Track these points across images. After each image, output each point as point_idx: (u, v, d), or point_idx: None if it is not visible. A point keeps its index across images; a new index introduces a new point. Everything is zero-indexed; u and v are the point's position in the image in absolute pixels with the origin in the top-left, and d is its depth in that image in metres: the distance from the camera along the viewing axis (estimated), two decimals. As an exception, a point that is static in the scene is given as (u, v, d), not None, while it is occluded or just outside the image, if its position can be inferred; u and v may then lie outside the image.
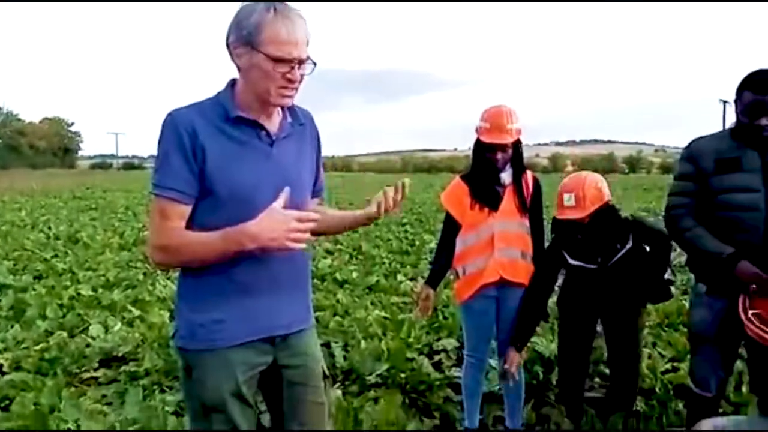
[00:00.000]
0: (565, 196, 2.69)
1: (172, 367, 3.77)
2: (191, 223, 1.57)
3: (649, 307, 3.78)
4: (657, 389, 3.40)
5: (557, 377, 3.25)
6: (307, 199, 1.76)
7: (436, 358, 4.12)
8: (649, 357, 3.88)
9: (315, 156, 1.79)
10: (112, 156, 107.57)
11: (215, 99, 1.61)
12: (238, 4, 1.57)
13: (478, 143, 2.80)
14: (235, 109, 1.58)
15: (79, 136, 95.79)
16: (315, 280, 6.36)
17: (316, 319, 1.90)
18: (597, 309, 2.95)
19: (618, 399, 2.98)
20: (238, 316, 1.61)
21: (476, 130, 2.81)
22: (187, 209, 1.56)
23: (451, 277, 3.01)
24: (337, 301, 5.63)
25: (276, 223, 1.44)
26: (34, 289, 6.15)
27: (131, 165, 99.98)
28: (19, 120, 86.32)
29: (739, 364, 2.98)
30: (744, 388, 3.29)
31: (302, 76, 1.58)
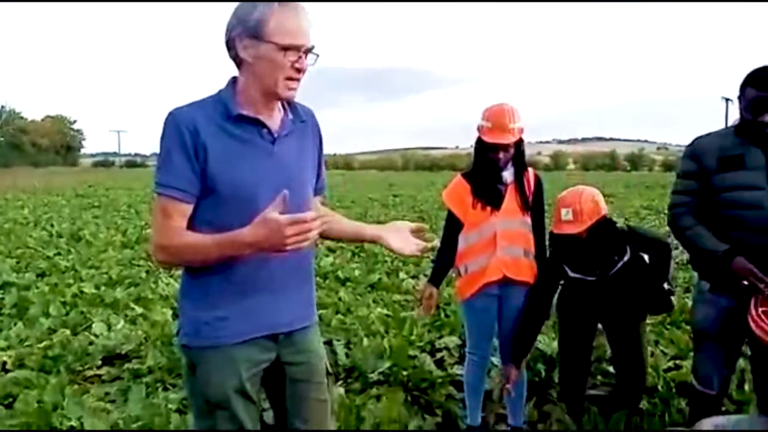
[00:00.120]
0: (563, 211, 2.70)
1: (175, 365, 3.78)
2: (194, 221, 1.57)
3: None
4: (659, 387, 3.40)
5: (559, 375, 3.26)
6: (309, 197, 1.76)
7: (438, 355, 4.12)
8: (652, 355, 3.88)
9: (317, 153, 1.80)
10: (115, 154, 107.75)
11: (217, 97, 1.61)
12: (238, 3, 1.58)
13: (480, 142, 2.80)
14: (236, 107, 1.58)
15: (82, 134, 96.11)
16: (317, 278, 6.36)
17: (319, 316, 1.90)
18: (597, 318, 2.98)
19: (624, 397, 2.99)
20: (242, 313, 1.61)
21: (478, 129, 2.80)
22: (189, 208, 1.56)
23: (453, 275, 3.01)
24: (340, 298, 5.63)
25: (269, 231, 1.41)
26: (37, 287, 6.16)
27: (134, 163, 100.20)
28: (22, 118, 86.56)
29: (741, 362, 2.98)
30: (746, 386, 3.29)
31: (305, 68, 1.59)
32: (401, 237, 1.83)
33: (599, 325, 3.02)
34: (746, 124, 2.35)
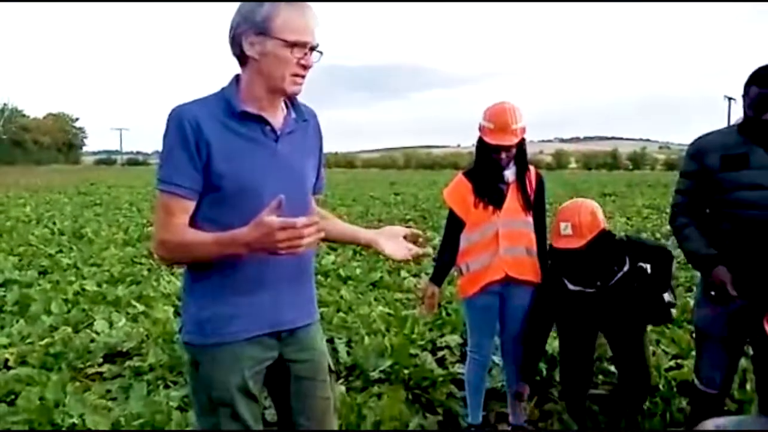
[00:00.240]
0: (562, 225, 2.70)
1: (177, 363, 3.79)
2: (197, 218, 1.57)
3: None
4: (660, 386, 3.39)
5: (560, 376, 3.26)
6: (310, 197, 1.77)
7: (440, 354, 4.12)
8: (653, 354, 3.87)
9: (318, 153, 1.80)
10: (117, 152, 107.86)
11: (220, 94, 1.61)
12: (241, 1, 1.59)
13: (482, 142, 2.79)
14: (240, 104, 1.58)
15: (84, 131, 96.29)
16: (318, 276, 6.37)
17: (320, 315, 1.91)
18: (598, 328, 3.00)
19: (627, 398, 2.99)
20: (245, 311, 1.61)
21: (479, 129, 2.80)
22: (191, 204, 1.56)
23: (455, 273, 3.01)
24: (341, 297, 5.63)
25: (261, 234, 1.41)
26: (39, 285, 6.18)
27: (135, 161, 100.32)
28: (24, 116, 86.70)
29: (743, 362, 2.98)
30: (748, 386, 3.29)
31: (311, 65, 1.60)
32: (394, 241, 1.87)
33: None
34: (750, 122, 2.34)
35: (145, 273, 6.87)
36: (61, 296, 5.58)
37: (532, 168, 2.88)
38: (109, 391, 3.59)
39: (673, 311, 2.91)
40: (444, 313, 4.86)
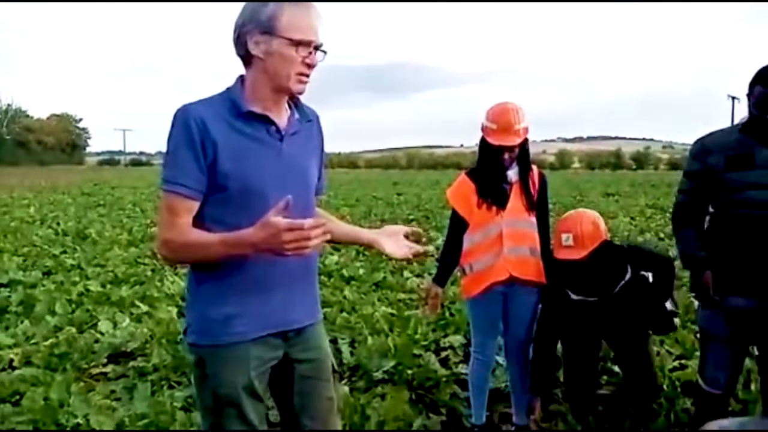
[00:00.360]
0: (563, 236, 2.70)
1: (180, 363, 3.80)
2: (202, 218, 1.57)
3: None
4: (665, 387, 3.38)
5: (564, 379, 3.26)
6: (313, 197, 1.77)
7: (443, 354, 4.12)
8: (657, 354, 3.87)
9: (320, 154, 1.82)
10: (120, 152, 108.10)
11: (225, 94, 1.62)
12: (245, 2, 1.60)
13: (485, 142, 2.79)
14: (245, 103, 1.59)
15: (87, 132, 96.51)
16: (322, 277, 6.37)
17: (323, 315, 1.91)
18: (601, 337, 3.01)
19: (634, 401, 2.99)
20: (251, 311, 1.61)
21: (482, 129, 2.79)
22: (195, 204, 1.56)
23: (458, 273, 3.00)
24: (344, 297, 5.63)
25: (268, 235, 1.41)
26: (43, 285, 6.19)
27: (139, 161, 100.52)
28: (28, 116, 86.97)
29: (748, 362, 2.97)
30: (753, 386, 3.28)
31: (315, 64, 1.61)
32: (395, 240, 1.88)
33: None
34: (754, 121, 2.34)
35: (149, 273, 6.89)
36: (65, 297, 5.60)
37: (534, 168, 2.88)
38: (113, 391, 3.60)
39: (676, 320, 2.92)
40: (447, 314, 4.86)
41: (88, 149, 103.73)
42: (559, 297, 2.87)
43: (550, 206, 3.00)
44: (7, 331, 4.65)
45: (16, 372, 3.78)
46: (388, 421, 3.06)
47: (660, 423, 3.04)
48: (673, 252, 2.98)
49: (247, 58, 1.60)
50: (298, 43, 1.55)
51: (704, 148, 2.48)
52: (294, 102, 1.71)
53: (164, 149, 1.59)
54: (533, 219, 2.82)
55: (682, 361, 3.82)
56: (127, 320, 4.90)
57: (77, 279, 6.51)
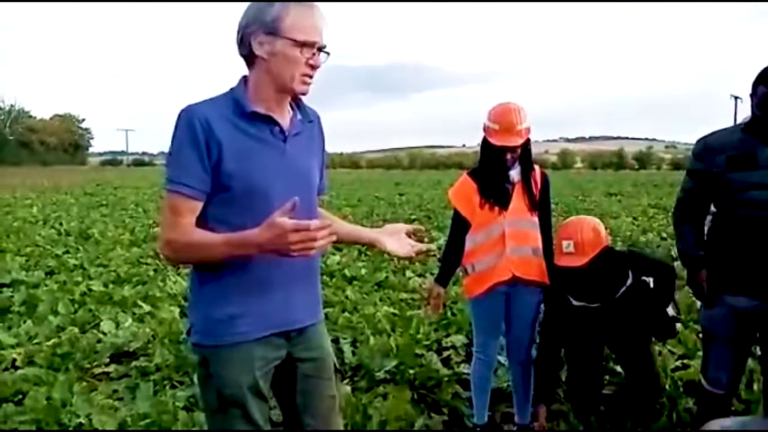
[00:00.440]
0: (564, 243, 2.70)
1: (183, 363, 3.81)
2: (205, 218, 1.57)
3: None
4: (667, 386, 3.38)
5: (567, 375, 3.26)
6: (316, 198, 1.78)
7: (445, 354, 4.13)
8: (660, 354, 3.86)
9: (321, 154, 1.82)
10: (123, 152, 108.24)
11: (229, 95, 1.62)
12: (249, 2, 1.60)
13: (487, 142, 2.79)
14: (250, 104, 1.59)
15: (90, 132, 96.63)
16: (324, 277, 6.37)
17: (326, 315, 1.92)
18: (604, 342, 3.02)
19: (637, 403, 2.99)
20: (256, 311, 1.62)
21: (484, 129, 2.79)
22: (199, 205, 1.56)
23: (460, 273, 3.00)
24: (346, 297, 5.64)
25: (274, 236, 1.41)
26: (45, 285, 6.21)
27: (141, 162, 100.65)
28: (30, 117, 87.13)
29: (750, 362, 2.96)
30: (755, 386, 3.27)
31: (319, 65, 1.61)
32: (396, 239, 1.89)
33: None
34: (758, 121, 2.33)
35: (151, 273, 6.90)
36: (67, 297, 5.61)
37: (536, 167, 2.88)
38: (115, 391, 3.61)
39: (678, 326, 2.92)
40: (449, 314, 4.86)
41: (90, 149, 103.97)
42: (560, 303, 2.88)
43: (553, 206, 3.00)
44: (10, 330, 4.66)
45: (19, 372, 3.80)
46: (390, 421, 3.06)
47: (662, 423, 3.03)
48: (675, 252, 2.97)
49: (250, 58, 1.60)
50: (302, 45, 1.55)
51: (706, 147, 2.47)
52: (296, 102, 1.71)
53: (167, 149, 1.59)
54: (536, 219, 2.82)
55: (685, 361, 3.82)
56: (130, 320, 4.90)
57: (80, 279, 6.53)
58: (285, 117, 1.66)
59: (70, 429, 3.05)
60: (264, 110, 1.60)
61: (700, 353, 2.84)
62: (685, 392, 3.32)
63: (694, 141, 2.64)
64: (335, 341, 4.12)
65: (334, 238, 1.48)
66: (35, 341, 4.40)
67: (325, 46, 1.60)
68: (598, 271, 2.71)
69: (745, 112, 2.44)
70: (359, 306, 5.31)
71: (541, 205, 2.84)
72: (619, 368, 3.47)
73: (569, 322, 2.90)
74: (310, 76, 1.61)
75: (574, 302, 2.86)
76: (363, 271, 6.89)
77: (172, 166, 1.55)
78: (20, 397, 3.42)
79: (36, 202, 18.02)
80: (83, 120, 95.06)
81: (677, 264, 2.88)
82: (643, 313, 2.83)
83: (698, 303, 2.69)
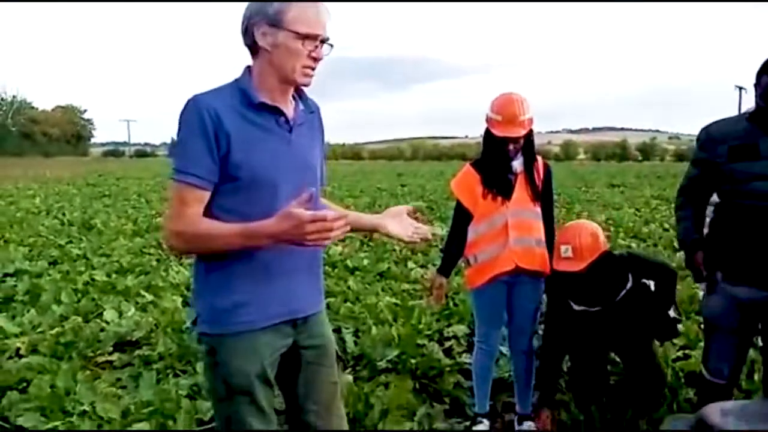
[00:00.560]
0: (562, 248, 2.70)
1: (185, 352, 3.83)
2: (212, 208, 1.57)
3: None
4: (668, 377, 3.39)
5: (568, 365, 3.27)
6: (319, 188, 1.78)
7: (447, 344, 4.13)
8: (661, 345, 3.87)
9: (322, 145, 1.83)
10: (125, 143, 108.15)
11: (234, 85, 1.62)
12: None
13: (490, 133, 2.78)
14: (256, 95, 1.59)
15: (92, 123, 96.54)
16: (326, 267, 6.38)
17: (328, 305, 1.93)
18: (606, 345, 3.03)
19: (641, 397, 3.00)
20: (262, 299, 1.63)
21: (487, 120, 2.78)
22: (207, 195, 1.56)
23: (462, 264, 3.01)
24: (348, 287, 5.65)
25: (291, 227, 1.42)
26: (49, 275, 6.23)
27: (143, 152, 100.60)
28: (33, 108, 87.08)
29: (751, 353, 2.97)
30: (756, 376, 3.28)
31: (321, 57, 1.61)
32: (399, 221, 1.89)
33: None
34: (761, 112, 2.32)
35: (154, 263, 6.92)
36: (71, 286, 5.63)
37: (539, 158, 2.87)
38: (119, 379, 3.63)
39: (680, 327, 2.92)
40: (451, 304, 4.87)
41: (92, 140, 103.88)
42: (561, 308, 2.88)
43: (555, 197, 2.99)
44: (14, 319, 4.68)
45: (23, 360, 3.82)
46: (391, 410, 3.07)
47: (663, 413, 3.04)
48: (677, 243, 2.97)
49: (254, 48, 1.61)
50: (304, 37, 1.55)
51: (709, 136, 2.47)
52: (298, 93, 1.72)
53: (169, 140, 1.59)
54: (538, 209, 2.82)
55: (686, 351, 3.83)
56: (133, 309, 4.92)
57: (83, 269, 6.55)
58: (289, 107, 1.66)
59: (74, 416, 3.08)
60: (270, 100, 1.60)
61: (701, 344, 2.85)
62: (686, 383, 3.33)
63: (697, 132, 2.64)
64: (337, 331, 4.13)
65: (348, 228, 1.49)
66: (39, 330, 4.42)
67: (328, 39, 1.60)
68: (598, 275, 2.71)
69: (749, 102, 2.44)
70: (361, 296, 5.32)
71: (543, 195, 2.84)
72: (619, 359, 3.48)
73: (571, 327, 2.90)
74: (312, 68, 1.61)
75: (575, 307, 2.87)
76: (365, 262, 6.90)
77: (180, 156, 1.55)
78: (24, 385, 3.44)
79: (38, 192, 18.04)
80: (85, 111, 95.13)
81: (679, 255, 2.88)
82: (645, 316, 2.84)
83: (700, 294, 2.70)
